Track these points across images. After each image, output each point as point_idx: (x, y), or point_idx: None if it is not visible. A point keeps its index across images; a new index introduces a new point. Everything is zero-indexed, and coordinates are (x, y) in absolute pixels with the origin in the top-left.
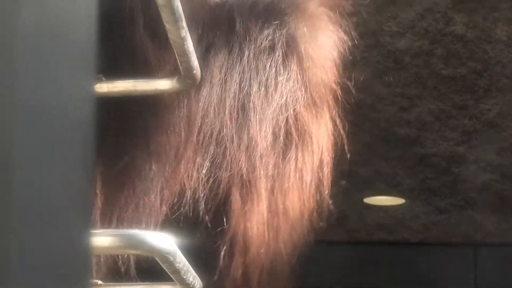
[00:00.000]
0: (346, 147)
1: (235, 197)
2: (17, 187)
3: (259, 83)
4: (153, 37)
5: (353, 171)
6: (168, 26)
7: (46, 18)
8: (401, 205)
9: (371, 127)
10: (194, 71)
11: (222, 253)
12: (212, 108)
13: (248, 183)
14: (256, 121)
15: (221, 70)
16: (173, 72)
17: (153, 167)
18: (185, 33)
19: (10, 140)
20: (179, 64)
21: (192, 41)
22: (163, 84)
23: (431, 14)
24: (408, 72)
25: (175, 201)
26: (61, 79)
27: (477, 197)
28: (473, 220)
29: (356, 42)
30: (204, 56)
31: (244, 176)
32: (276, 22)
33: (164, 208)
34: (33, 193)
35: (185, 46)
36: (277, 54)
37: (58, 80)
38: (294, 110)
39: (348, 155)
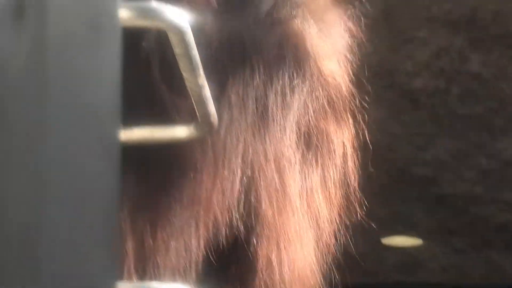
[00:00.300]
0: (367, 136)
1: (270, 209)
2: (42, 235)
3: (275, 93)
4: (170, 83)
5: (370, 211)
6: (185, 74)
7: (73, 79)
8: (419, 245)
9: (388, 167)
10: (212, 118)
11: (261, 266)
12: (233, 131)
13: (280, 193)
14: (278, 130)
15: (238, 94)
16: (190, 118)
17: (182, 208)
18: (203, 80)
19: (37, 189)
20: (196, 111)
21: (210, 85)
22: (180, 131)
23: (447, 53)
24: (424, 111)
25: (211, 235)
26: (87, 134)
27: (495, 238)
28: (491, 261)
29: (365, 32)
30: (223, 89)
31: (276, 186)
32: (282, 25)
33: (201, 245)
34: (56, 243)
35: (203, 94)
36: (287, 59)
37: (83, 135)
38: (314, 111)
39: (371, 147)
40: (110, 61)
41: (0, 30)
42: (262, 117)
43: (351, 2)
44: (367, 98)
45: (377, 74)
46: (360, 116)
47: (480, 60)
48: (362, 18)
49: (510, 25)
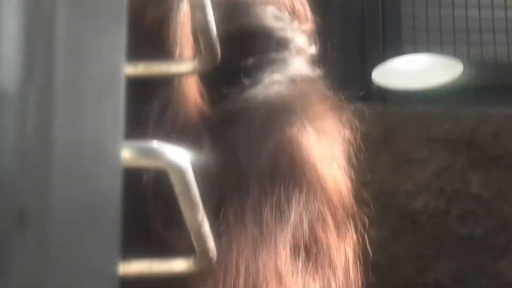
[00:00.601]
0: (368, 245)
1: None
2: None
3: (271, 207)
4: (166, 218)
5: None
6: (185, 211)
7: (75, 233)
8: None
9: None
10: (211, 253)
11: None
12: (233, 252)
13: None
14: (277, 245)
15: (236, 214)
16: (188, 252)
17: None
18: (202, 216)
19: None
20: (195, 247)
21: (208, 213)
22: (178, 265)
23: (447, 174)
24: (425, 232)
25: None
26: (86, 269)
27: None
28: None
29: (362, 148)
30: (221, 213)
31: None
32: (276, 135)
33: None
34: None
35: (202, 230)
36: (282, 170)
37: (83, 270)
38: (311, 222)
39: (371, 267)
40: (111, 208)
41: (4, 236)
42: (261, 233)
43: (350, 117)
44: (368, 218)
45: (377, 194)
46: (360, 226)
47: (480, 181)
48: (359, 128)
49: (509, 146)
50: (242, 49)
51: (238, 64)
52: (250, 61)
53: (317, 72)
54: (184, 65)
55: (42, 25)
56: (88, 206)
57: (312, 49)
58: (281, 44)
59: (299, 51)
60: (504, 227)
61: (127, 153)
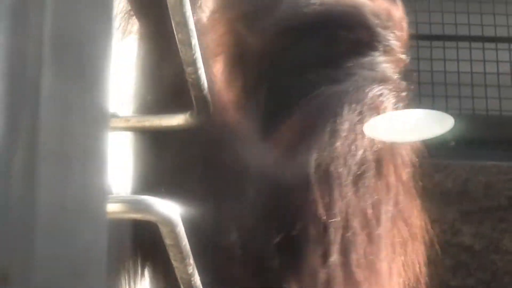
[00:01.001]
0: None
1: None
2: None
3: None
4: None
5: None
6: (175, 264)
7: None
8: None
9: None
10: None
11: None
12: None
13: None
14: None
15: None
16: None
17: None
18: (193, 269)
19: None
20: None
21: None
22: None
23: (439, 225)
24: None
25: None
26: None
27: None
28: None
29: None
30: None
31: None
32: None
33: None
34: None
35: (193, 282)
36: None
37: None
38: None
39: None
40: (96, 264)
41: None
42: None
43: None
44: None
45: None
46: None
47: (471, 232)
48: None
49: (501, 198)
50: (332, 39)
51: (323, 55)
52: (339, 53)
53: (401, 81)
54: (175, 119)
55: (28, 87)
56: (72, 263)
57: (403, 56)
58: (374, 40)
59: (389, 52)
60: (496, 279)
61: (119, 207)
